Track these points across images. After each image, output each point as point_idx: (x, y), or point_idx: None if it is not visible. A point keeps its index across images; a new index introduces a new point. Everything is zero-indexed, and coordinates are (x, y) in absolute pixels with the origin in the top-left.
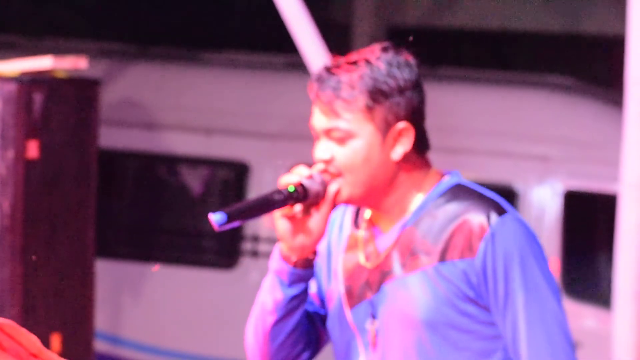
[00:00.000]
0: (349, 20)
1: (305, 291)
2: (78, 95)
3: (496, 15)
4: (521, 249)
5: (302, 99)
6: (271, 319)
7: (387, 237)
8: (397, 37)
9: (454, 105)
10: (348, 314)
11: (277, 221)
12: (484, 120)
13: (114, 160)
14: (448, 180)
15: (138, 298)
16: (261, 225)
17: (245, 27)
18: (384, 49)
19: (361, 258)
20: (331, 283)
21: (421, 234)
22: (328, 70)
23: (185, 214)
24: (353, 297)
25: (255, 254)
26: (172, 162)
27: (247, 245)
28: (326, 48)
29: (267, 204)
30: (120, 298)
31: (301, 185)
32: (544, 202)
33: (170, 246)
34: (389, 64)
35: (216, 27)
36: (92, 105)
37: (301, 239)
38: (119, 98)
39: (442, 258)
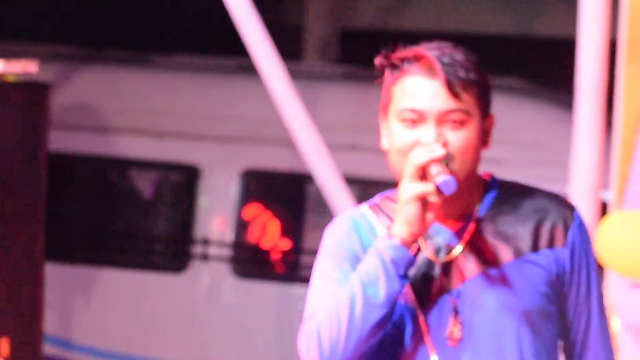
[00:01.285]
0: (301, 23)
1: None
2: (28, 99)
3: (449, 17)
4: (592, 244)
5: (254, 102)
6: (379, 313)
7: (455, 230)
8: (349, 40)
9: None
10: (419, 312)
11: (409, 202)
12: None
13: (65, 163)
14: (495, 177)
15: (88, 302)
16: (211, 228)
17: (197, 30)
18: (462, 47)
19: (427, 253)
20: None
21: (501, 225)
22: (439, 53)
23: (136, 218)
24: (424, 294)
25: (205, 257)
26: (123, 165)
27: (197, 249)
28: (277, 51)
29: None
30: (70, 302)
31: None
32: None
33: (121, 250)
34: (476, 61)
35: (168, 30)
36: (42, 109)
37: (421, 226)
38: (70, 101)
39: (534, 248)
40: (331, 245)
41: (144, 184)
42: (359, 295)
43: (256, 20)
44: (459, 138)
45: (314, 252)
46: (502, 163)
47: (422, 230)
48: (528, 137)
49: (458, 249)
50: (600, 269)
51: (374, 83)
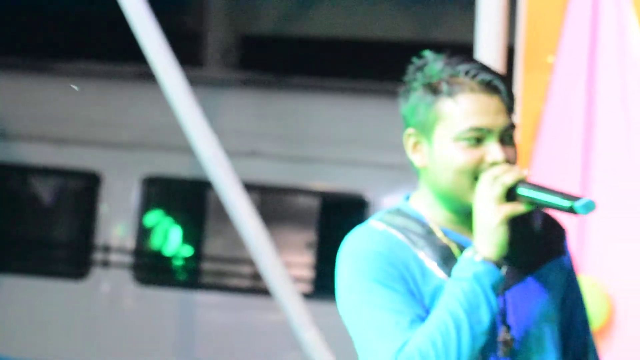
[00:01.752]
0: (201, 29)
1: None
2: None
3: (349, 23)
4: None
5: (154, 109)
6: (485, 339)
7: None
8: (249, 46)
9: (304, 114)
10: None
11: (503, 224)
12: (334, 129)
13: None
14: None
15: None
16: (112, 235)
17: (96, 37)
18: None
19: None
20: (434, 296)
21: (518, 235)
22: (488, 69)
23: (36, 225)
24: None
25: (106, 264)
26: (23, 172)
27: (98, 256)
28: (177, 57)
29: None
30: None
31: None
32: None
33: (21, 256)
34: None
35: (67, 37)
36: None
37: (508, 246)
38: None
39: (548, 258)
40: (371, 270)
41: (45, 190)
42: (465, 325)
43: (154, 26)
44: (514, 153)
45: (215, 259)
46: (401, 169)
47: (507, 251)
48: None
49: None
50: None
51: (274, 89)
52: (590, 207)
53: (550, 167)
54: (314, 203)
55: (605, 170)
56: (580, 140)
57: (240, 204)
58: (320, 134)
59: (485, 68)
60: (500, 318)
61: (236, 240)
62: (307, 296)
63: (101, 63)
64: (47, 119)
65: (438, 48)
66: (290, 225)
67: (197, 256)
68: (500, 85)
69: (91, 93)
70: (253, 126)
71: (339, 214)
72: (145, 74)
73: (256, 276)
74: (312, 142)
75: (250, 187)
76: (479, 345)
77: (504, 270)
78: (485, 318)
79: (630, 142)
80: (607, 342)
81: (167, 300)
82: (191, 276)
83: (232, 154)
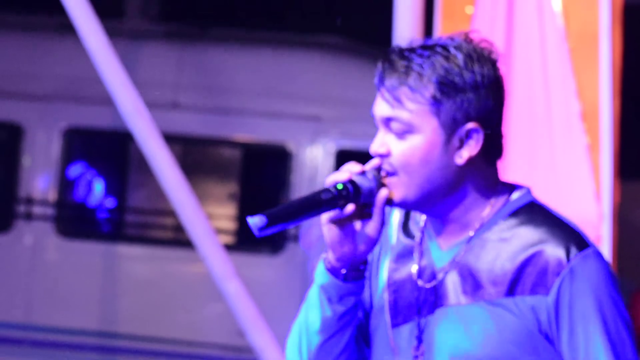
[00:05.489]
0: None
1: (355, 306)
2: None
3: None
4: (603, 292)
5: (75, 61)
6: (318, 340)
7: (447, 254)
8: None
9: (225, 66)
10: (389, 331)
11: (324, 227)
12: (256, 81)
13: None
14: (520, 197)
15: None
16: (34, 187)
17: None
18: (467, 38)
19: (414, 272)
20: (376, 294)
21: (488, 257)
22: (400, 52)
23: None
24: (398, 314)
25: (29, 216)
26: None
27: (20, 208)
28: (96, 9)
29: (313, 205)
30: None
31: (351, 182)
32: (317, 162)
33: None
34: (469, 56)
35: None
36: None
37: (351, 247)
38: None
39: (511, 291)
40: None
41: None
42: (301, 319)
43: None
44: (400, 150)
45: (138, 211)
46: (321, 120)
47: (351, 254)
48: (347, 94)
49: (439, 275)
50: (627, 324)
51: (195, 41)
52: (258, 224)
53: None
54: (236, 154)
55: (522, 121)
56: None
57: (161, 156)
58: (242, 85)
59: (411, 52)
60: (412, 332)
61: (159, 192)
62: (230, 248)
63: (21, 14)
64: None
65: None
66: (212, 177)
67: (120, 208)
68: (388, 74)
69: (11, 45)
70: (174, 78)
71: (261, 166)
72: (65, 26)
73: (179, 228)
74: (234, 94)
75: (171, 139)
76: (315, 343)
77: (343, 271)
78: (314, 319)
79: (547, 93)
80: None
81: (90, 252)
82: (114, 228)
83: (153, 105)
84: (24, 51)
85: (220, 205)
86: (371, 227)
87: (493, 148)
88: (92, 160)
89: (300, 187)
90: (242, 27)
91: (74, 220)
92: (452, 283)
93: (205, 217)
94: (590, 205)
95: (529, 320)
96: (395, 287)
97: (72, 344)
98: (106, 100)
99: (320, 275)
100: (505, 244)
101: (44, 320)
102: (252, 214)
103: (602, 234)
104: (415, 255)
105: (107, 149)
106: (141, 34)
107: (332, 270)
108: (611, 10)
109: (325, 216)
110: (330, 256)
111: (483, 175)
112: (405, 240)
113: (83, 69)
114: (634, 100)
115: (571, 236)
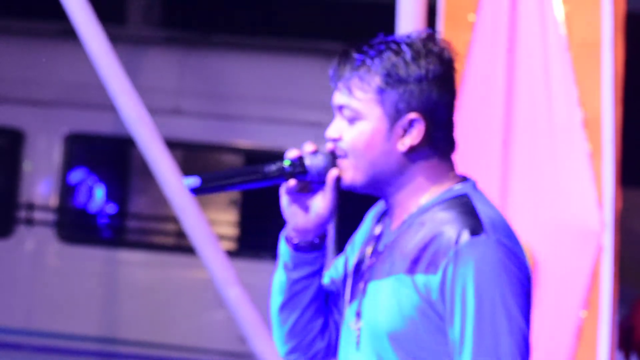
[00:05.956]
0: None
1: (312, 275)
2: None
3: None
4: (484, 277)
5: (78, 67)
6: (277, 302)
7: (390, 236)
8: (171, 3)
9: (227, 72)
10: (346, 309)
11: (282, 198)
12: (257, 86)
13: None
14: (460, 188)
15: None
16: (36, 193)
17: None
18: (422, 36)
19: (367, 254)
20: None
21: (407, 238)
22: (357, 48)
23: None
24: (353, 293)
25: (30, 221)
26: None
27: (21, 213)
28: (98, 14)
29: (252, 174)
30: None
31: (300, 160)
32: None
33: None
34: (417, 51)
35: None
36: None
37: (302, 220)
38: None
39: (411, 269)
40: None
41: None
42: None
43: None
44: (349, 134)
45: (139, 217)
46: (322, 125)
47: (303, 226)
48: None
49: (379, 255)
50: (512, 313)
51: (196, 47)
52: (191, 185)
53: (471, 125)
54: (237, 160)
55: (525, 128)
56: (502, 100)
57: (163, 162)
58: (243, 91)
59: (367, 46)
60: (355, 307)
61: (160, 198)
62: (232, 254)
63: (23, 20)
64: None
65: (360, 7)
66: None
67: (121, 214)
68: (342, 66)
69: (13, 50)
70: (176, 84)
71: None
72: (67, 31)
73: (180, 234)
74: (235, 100)
75: (173, 145)
76: (276, 305)
77: (295, 240)
78: (275, 281)
79: (549, 101)
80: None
81: (91, 258)
82: (115, 234)
83: (155, 111)
84: (25, 57)
85: (222, 211)
86: (321, 203)
87: (439, 139)
88: (94, 166)
89: None
90: (244, 34)
91: (75, 225)
92: (381, 262)
93: (207, 223)
94: (593, 213)
95: (424, 299)
96: (355, 269)
97: (72, 350)
98: (107, 106)
99: (280, 242)
100: (422, 227)
101: (45, 326)
102: (255, 220)
103: (604, 242)
104: (372, 239)
105: (109, 155)
106: (143, 40)
107: (287, 239)
108: (613, 19)
109: (283, 188)
110: (288, 226)
111: (428, 165)
112: (375, 227)
113: (84, 75)
114: (636, 108)
115: (470, 222)
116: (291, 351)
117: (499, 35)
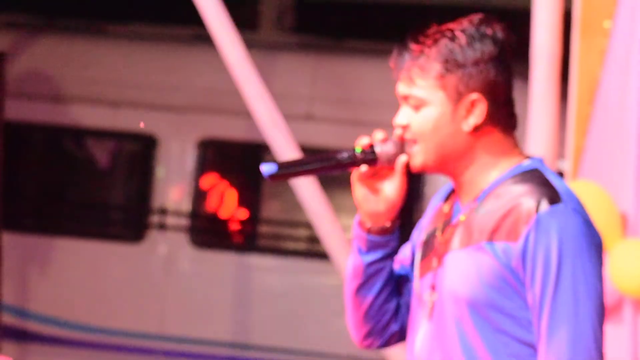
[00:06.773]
0: None
1: (385, 258)
2: None
3: None
4: (565, 243)
5: (210, 72)
6: (352, 285)
7: (463, 210)
8: (305, 9)
9: (360, 78)
10: (417, 283)
11: (353, 184)
12: (391, 93)
13: (20, 132)
14: (527, 164)
15: (45, 271)
16: (168, 198)
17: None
18: (473, 21)
19: (438, 230)
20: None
21: (483, 211)
22: (415, 38)
23: (93, 187)
24: (424, 267)
25: (162, 226)
26: (79, 134)
27: (154, 218)
28: (233, 20)
29: (327, 162)
30: (26, 271)
31: (371, 147)
32: None
33: (78, 219)
34: (471, 36)
35: None
36: None
37: (374, 205)
38: (26, 70)
39: (490, 238)
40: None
41: (101, 153)
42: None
43: None
44: (416, 121)
45: (270, 222)
46: None
47: (374, 211)
48: None
49: (452, 229)
50: (590, 280)
51: (329, 52)
52: (268, 171)
53: (606, 130)
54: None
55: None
56: (637, 105)
57: None
58: (376, 97)
59: (424, 36)
60: (430, 280)
61: (292, 203)
62: None
63: (157, 25)
64: (102, 82)
65: (496, 13)
66: (348, 188)
67: (253, 219)
68: (402, 57)
69: (147, 56)
70: (308, 89)
71: None
72: (201, 36)
73: (313, 239)
74: (368, 106)
75: (306, 150)
76: (351, 289)
77: (367, 225)
78: (349, 266)
79: None
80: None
81: (223, 263)
82: (247, 239)
83: (288, 116)
84: (159, 62)
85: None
86: (391, 189)
87: (502, 117)
88: (226, 171)
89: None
90: (377, 39)
91: (207, 231)
92: (457, 235)
93: (341, 228)
94: None
95: (504, 265)
96: (426, 246)
97: (205, 355)
98: (240, 111)
99: (354, 227)
100: (497, 200)
101: (177, 331)
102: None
103: None
104: (442, 216)
105: (241, 160)
106: (276, 45)
107: (359, 224)
108: None
109: (354, 175)
110: (360, 211)
111: (493, 142)
112: (442, 205)
113: (218, 80)
114: None
115: (547, 192)
116: (367, 335)
117: (635, 42)
